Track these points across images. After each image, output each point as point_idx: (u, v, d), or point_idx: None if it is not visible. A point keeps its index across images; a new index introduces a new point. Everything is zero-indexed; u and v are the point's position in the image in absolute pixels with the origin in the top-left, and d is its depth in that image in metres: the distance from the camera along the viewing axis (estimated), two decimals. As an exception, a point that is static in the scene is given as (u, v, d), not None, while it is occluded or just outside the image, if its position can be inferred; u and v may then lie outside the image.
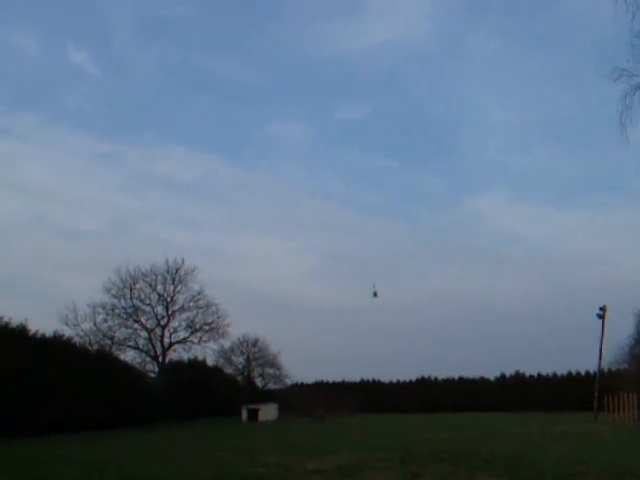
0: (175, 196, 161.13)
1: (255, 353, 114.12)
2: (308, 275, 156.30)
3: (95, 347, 72.30)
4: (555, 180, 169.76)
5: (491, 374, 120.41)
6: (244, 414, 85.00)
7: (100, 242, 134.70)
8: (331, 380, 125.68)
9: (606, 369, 78.63)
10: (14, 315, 52.03)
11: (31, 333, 54.24)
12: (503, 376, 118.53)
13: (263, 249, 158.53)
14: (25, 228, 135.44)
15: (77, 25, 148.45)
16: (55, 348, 55.66)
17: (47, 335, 57.29)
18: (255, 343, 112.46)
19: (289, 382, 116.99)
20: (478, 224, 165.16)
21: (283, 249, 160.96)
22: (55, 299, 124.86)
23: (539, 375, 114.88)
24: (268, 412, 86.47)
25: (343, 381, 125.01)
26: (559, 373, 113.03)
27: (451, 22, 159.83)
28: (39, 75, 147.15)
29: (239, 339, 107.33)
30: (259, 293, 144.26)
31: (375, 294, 71.96)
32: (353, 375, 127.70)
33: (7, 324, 51.00)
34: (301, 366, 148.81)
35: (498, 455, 26.12)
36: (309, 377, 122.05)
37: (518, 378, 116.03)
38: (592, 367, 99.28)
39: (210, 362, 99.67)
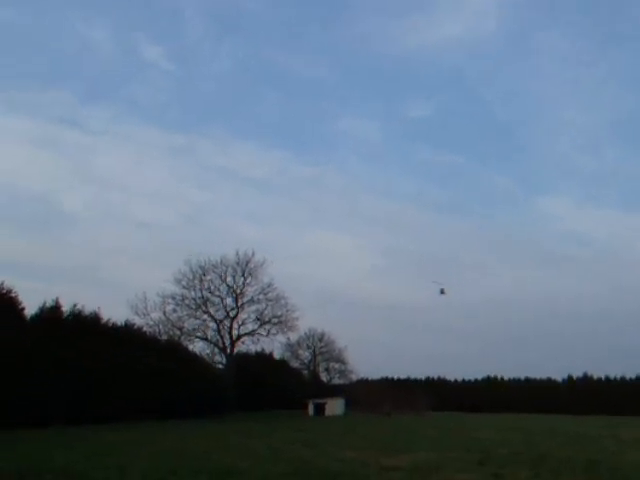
0: (245, 190, 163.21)
1: (321, 348, 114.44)
2: (375, 271, 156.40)
3: (164, 337, 73.13)
4: (624, 182, 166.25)
5: (559, 375, 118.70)
6: (311, 408, 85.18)
7: (171, 234, 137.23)
8: (396, 377, 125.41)
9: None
10: (87, 303, 53.20)
11: (103, 321, 55.17)
12: (571, 378, 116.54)
13: (331, 245, 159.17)
14: (98, 219, 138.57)
15: (150, 21, 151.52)
16: (126, 337, 56.52)
17: (119, 324, 58.28)
18: (322, 338, 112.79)
19: (354, 377, 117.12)
20: (547, 224, 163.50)
21: (351, 245, 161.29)
22: (126, 289, 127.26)
23: (607, 378, 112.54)
24: (335, 407, 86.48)
25: (408, 378, 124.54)
26: (628, 376, 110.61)
27: (520, 20, 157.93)
28: (113, 69, 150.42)
29: (306, 333, 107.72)
30: (326, 288, 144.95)
31: (442, 291, 71.46)
32: (418, 372, 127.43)
33: (80, 312, 51.93)
34: (366, 362, 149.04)
35: (576, 459, 25.50)
36: (374, 373, 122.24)
37: (586, 380, 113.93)
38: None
39: (277, 355, 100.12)
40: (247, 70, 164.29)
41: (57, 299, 49.46)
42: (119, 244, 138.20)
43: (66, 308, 50.28)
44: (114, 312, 61.72)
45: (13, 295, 44.11)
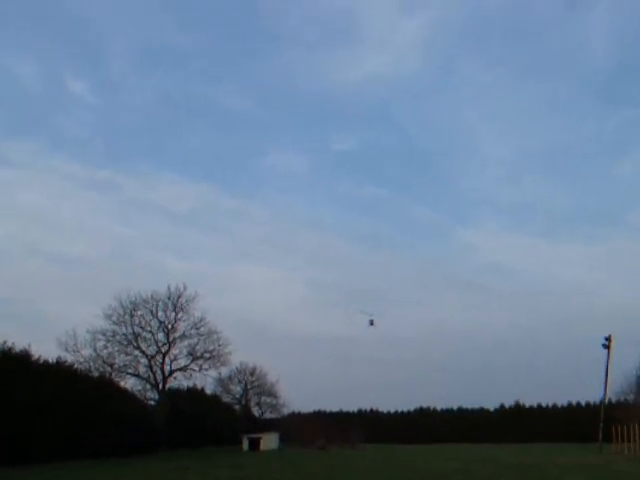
0: (171, 224, 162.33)
1: (253, 382, 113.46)
2: (303, 303, 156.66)
3: (96, 374, 71.54)
4: (548, 212, 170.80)
5: (491, 405, 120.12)
6: (245, 443, 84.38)
7: (96, 269, 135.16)
8: (329, 409, 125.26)
9: (612, 400, 78.17)
10: (9, 338, 51.44)
11: (34, 358, 53.71)
12: (502, 407, 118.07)
13: (258, 278, 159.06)
14: (20, 254, 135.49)
15: (76, 54, 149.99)
16: (57, 374, 55.11)
17: (50, 361, 56.84)
18: (253, 372, 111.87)
19: (286, 411, 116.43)
20: (470, 255, 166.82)
21: (279, 278, 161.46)
22: (52, 325, 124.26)
23: (539, 406, 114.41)
24: (269, 441, 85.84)
25: (341, 411, 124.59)
26: (559, 404, 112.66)
27: (444, 54, 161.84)
28: (37, 103, 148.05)
29: (237, 367, 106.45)
30: (254, 321, 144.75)
31: (372, 322, 71.68)
32: (351, 404, 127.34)
33: (10, 349, 50.42)
34: (298, 395, 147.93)
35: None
36: (306, 406, 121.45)
37: (518, 409, 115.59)
38: (592, 398, 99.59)
39: (208, 391, 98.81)
40: (173, 103, 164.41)
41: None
42: (42, 279, 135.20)
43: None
44: (40, 348, 59.94)
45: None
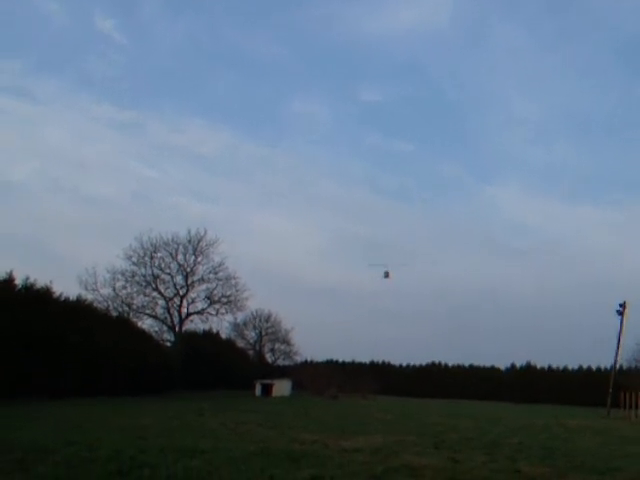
0: (194, 168, 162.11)
1: (268, 328, 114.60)
2: (322, 254, 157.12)
3: (114, 313, 72.69)
4: (573, 175, 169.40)
5: (502, 364, 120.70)
6: (258, 388, 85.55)
7: (118, 210, 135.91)
8: (341, 359, 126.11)
9: (623, 366, 78.48)
10: (32, 274, 52.16)
11: (55, 295, 54.60)
12: (514, 366, 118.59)
13: (279, 226, 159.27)
14: (44, 192, 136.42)
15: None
16: (78, 312, 56.03)
17: (71, 298, 57.72)
18: (268, 318, 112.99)
19: (299, 359, 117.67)
20: (494, 214, 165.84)
21: (298, 227, 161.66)
22: (72, 263, 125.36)
23: (550, 368, 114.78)
24: (281, 388, 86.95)
25: (353, 361, 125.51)
26: (570, 367, 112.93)
27: (476, 10, 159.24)
28: (64, 40, 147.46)
29: (252, 313, 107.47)
30: (272, 269, 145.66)
31: (387, 275, 71.68)
32: (363, 356, 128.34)
33: (32, 285, 51.29)
34: (311, 344, 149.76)
35: (528, 445, 26.24)
36: (319, 355, 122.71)
37: (529, 369, 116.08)
38: (604, 363, 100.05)
39: (223, 335, 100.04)
40: (200, 46, 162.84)
41: (11, 272, 48.81)
42: (64, 217, 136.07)
43: (18, 281, 49.69)
44: (61, 285, 60.90)
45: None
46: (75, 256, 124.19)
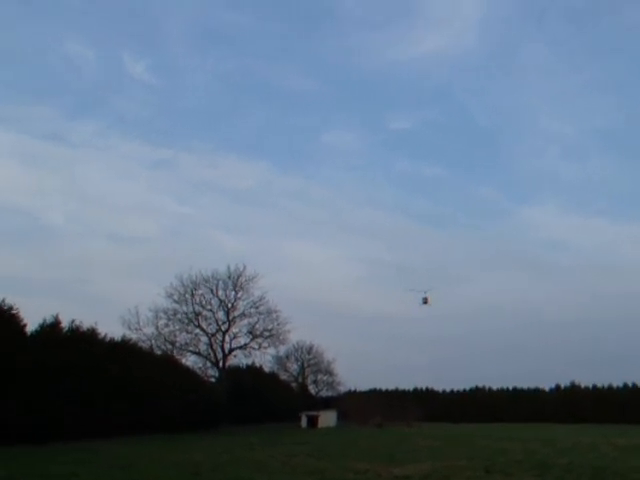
0: (229, 203, 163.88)
1: (310, 360, 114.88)
2: (359, 282, 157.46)
3: (158, 351, 73.55)
4: (609, 191, 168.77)
5: (546, 385, 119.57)
6: (304, 420, 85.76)
7: (155, 248, 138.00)
8: (384, 388, 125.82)
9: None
10: (72, 316, 53.02)
11: (100, 336, 55.62)
12: (558, 387, 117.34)
13: (315, 256, 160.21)
14: (80, 233, 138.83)
15: (134, 36, 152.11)
16: (123, 351, 56.97)
17: (115, 339, 58.71)
18: (310, 350, 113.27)
19: (342, 389, 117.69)
20: (531, 233, 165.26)
21: (335, 256, 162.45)
22: (107, 302, 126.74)
23: (594, 387, 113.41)
24: (327, 419, 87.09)
25: (397, 389, 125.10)
26: (614, 384, 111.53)
27: (503, 33, 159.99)
28: (98, 85, 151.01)
29: (294, 346, 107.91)
30: (310, 300, 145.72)
31: (425, 301, 70.82)
32: (406, 383, 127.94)
33: (78, 327, 52.37)
34: (353, 373, 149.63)
35: (578, 465, 26.43)
36: (362, 385, 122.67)
37: (573, 389, 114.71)
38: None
39: (266, 368, 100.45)
40: (231, 83, 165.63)
41: (57, 315, 49.86)
42: (102, 257, 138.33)
43: (64, 324, 50.80)
44: (105, 326, 61.96)
45: (14, 312, 44.45)
46: (115, 297, 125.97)
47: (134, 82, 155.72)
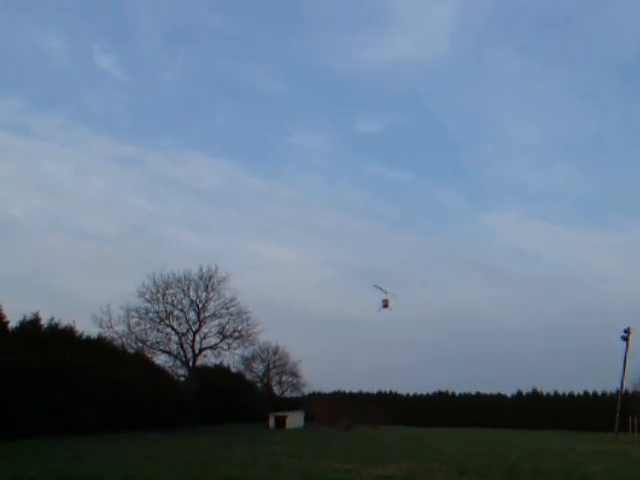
0: (194, 202, 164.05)
1: (275, 361, 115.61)
2: (324, 284, 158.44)
3: (130, 350, 74.03)
4: (574, 199, 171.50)
5: (508, 391, 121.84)
6: (272, 421, 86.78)
7: (117, 244, 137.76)
8: (348, 390, 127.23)
9: (629, 391, 79.65)
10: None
11: (77, 334, 56.35)
12: (520, 393, 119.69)
13: (280, 257, 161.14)
14: (43, 228, 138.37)
15: (104, 29, 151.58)
16: (99, 349, 57.72)
17: (92, 337, 59.43)
18: (276, 351, 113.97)
19: (307, 391, 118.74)
20: (494, 241, 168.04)
21: (301, 258, 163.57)
22: (75, 299, 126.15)
23: (556, 394, 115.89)
24: (295, 420, 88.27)
25: (361, 392, 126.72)
26: (576, 392, 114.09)
27: (473, 40, 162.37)
28: (64, 77, 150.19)
29: (260, 347, 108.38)
30: (275, 300, 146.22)
31: (386, 304, 68.59)
32: (369, 386, 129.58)
33: (57, 324, 53.10)
34: (317, 375, 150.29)
35: (544, 469, 27.88)
36: (327, 387, 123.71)
37: (535, 396, 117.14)
38: (608, 388, 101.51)
39: (233, 369, 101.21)
40: (199, 81, 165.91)
41: (37, 312, 50.67)
42: (65, 253, 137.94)
43: (44, 321, 51.49)
44: (67, 321, 62.13)
45: (-2, 309, 45.16)
46: (79, 292, 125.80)
47: (102, 75, 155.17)
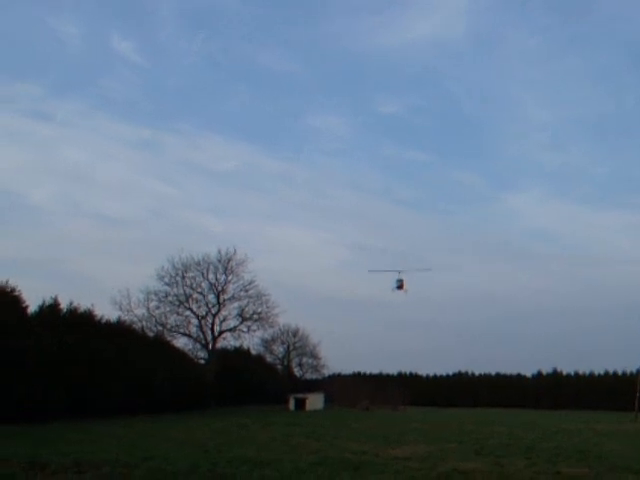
0: (213, 185, 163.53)
1: (295, 343, 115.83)
2: (343, 266, 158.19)
3: (150, 333, 74.43)
4: (592, 180, 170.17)
5: (528, 371, 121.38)
6: (292, 403, 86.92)
7: (137, 228, 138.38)
8: (368, 372, 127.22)
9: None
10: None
11: (97, 318, 56.71)
12: (540, 374, 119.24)
13: (300, 240, 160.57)
14: (63, 213, 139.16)
15: (122, 15, 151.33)
16: (118, 333, 58.06)
17: (111, 320, 59.87)
18: (296, 333, 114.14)
19: (326, 372, 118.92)
20: (514, 221, 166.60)
21: (319, 240, 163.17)
22: (92, 282, 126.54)
23: (576, 374, 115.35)
24: (315, 402, 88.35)
25: (381, 373, 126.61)
26: (596, 372, 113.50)
27: (491, 20, 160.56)
28: (82, 63, 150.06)
29: (280, 329, 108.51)
30: (294, 283, 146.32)
31: (400, 286, 66.89)
32: (390, 367, 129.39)
33: (76, 309, 53.45)
34: (337, 357, 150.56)
35: (564, 449, 27.86)
36: (347, 368, 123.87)
37: (555, 376, 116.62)
38: (629, 367, 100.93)
39: (253, 351, 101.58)
40: (217, 64, 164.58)
41: (56, 297, 50.99)
42: (84, 237, 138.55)
43: (63, 305, 51.84)
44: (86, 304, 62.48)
45: (17, 293, 45.37)
46: (100, 276, 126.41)
47: (120, 61, 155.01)
